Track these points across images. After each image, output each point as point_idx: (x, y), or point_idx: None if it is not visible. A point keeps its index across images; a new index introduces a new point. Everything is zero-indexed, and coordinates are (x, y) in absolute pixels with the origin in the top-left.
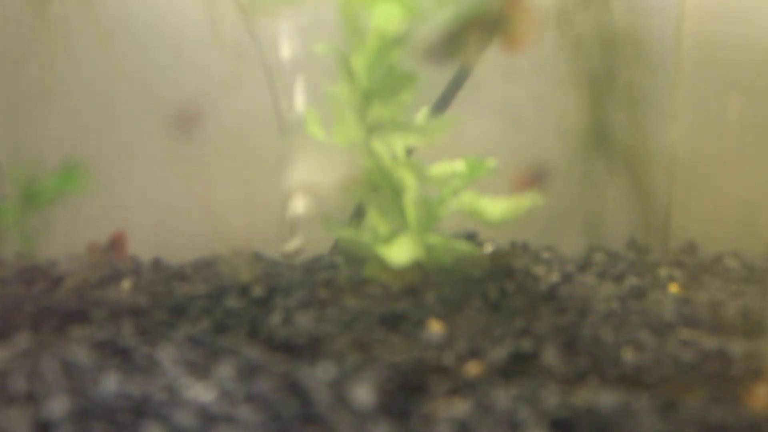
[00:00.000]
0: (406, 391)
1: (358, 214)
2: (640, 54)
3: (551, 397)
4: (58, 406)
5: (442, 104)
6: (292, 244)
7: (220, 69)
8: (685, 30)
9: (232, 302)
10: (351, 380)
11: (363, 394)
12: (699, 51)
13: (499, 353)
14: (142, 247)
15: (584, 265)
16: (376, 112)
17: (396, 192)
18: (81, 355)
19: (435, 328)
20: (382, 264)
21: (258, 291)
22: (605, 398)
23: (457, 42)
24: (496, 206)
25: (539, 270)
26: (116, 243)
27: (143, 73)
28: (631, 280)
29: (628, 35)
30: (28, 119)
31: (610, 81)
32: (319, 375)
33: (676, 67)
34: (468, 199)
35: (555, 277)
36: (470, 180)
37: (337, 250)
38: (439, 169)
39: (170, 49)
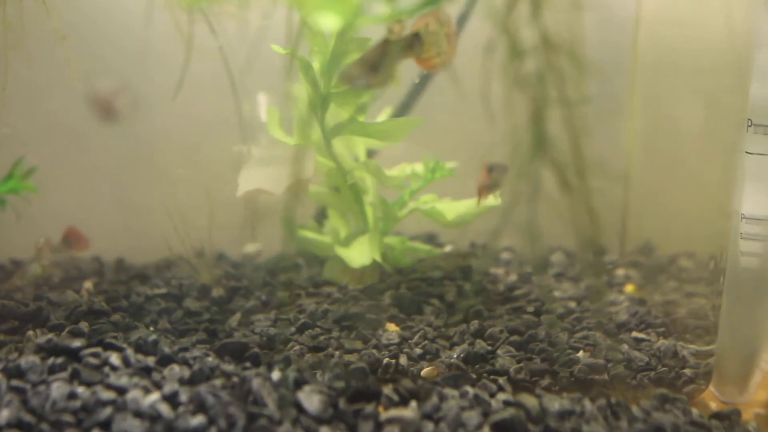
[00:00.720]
0: (357, 396)
1: (321, 216)
2: (594, 60)
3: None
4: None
5: (405, 107)
6: (252, 245)
7: (181, 71)
8: (640, 35)
9: (191, 304)
10: (303, 385)
11: (314, 402)
12: (654, 56)
13: (453, 355)
14: (106, 248)
15: (542, 266)
16: (335, 114)
17: (356, 194)
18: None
19: (391, 329)
20: (342, 265)
21: (217, 292)
22: (553, 402)
23: (375, 66)
24: (453, 208)
25: (498, 271)
26: (70, 239)
27: (101, 75)
28: (588, 281)
29: (579, 41)
30: None
31: (560, 86)
32: (273, 379)
33: (632, 72)
34: (426, 201)
35: (513, 277)
36: (429, 182)
37: (292, 250)
38: (399, 171)
39: (128, 51)
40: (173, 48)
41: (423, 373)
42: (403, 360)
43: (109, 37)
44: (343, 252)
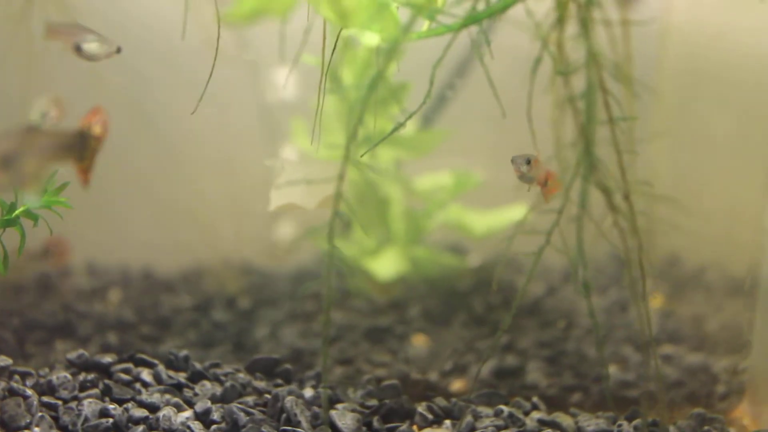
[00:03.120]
0: (391, 414)
1: (346, 227)
2: (623, 74)
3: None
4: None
5: (429, 118)
6: (278, 256)
7: (208, 79)
8: (667, 47)
9: (218, 315)
10: (336, 402)
11: (348, 420)
12: (681, 68)
13: (483, 370)
14: (133, 257)
15: (568, 277)
16: (364, 125)
17: (382, 205)
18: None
19: (419, 342)
20: (368, 277)
21: (244, 304)
22: (589, 421)
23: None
24: (481, 220)
25: (522, 283)
26: (51, 250)
27: (129, 83)
28: (614, 293)
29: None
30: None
31: (593, 101)
32: (305, 396)
33: (659, 85)
34: (454, 212)
35: (539, 289)
36: (456, 193)
37: (318, 262)
38: (426, 182)
39: (157, 58)
40: (204, 58)
41: (453, 387)
42: (432, 375)
43: (140, 46)
44: (370, 264)
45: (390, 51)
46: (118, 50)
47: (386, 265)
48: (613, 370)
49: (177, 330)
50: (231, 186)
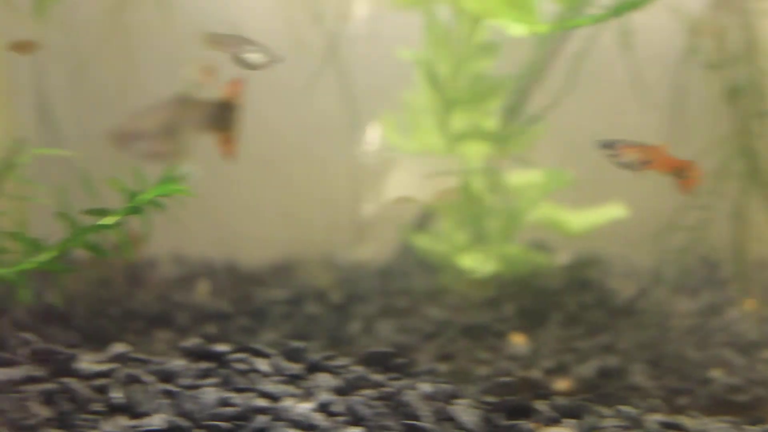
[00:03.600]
0: (512, 411)
1: (423, 222)
2: None
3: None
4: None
5: (512, 111)
6: (366, 250)
7: (298, 75)
8: None
9: (311, 308)
10: (454, 398)
11: (470, 416)
12: None
13: (586, 369)
14: (216, 249)
15: (657, 278)
16: (459, 120)
17: (474, 201)
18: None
19: (518, 341)
20: (459, 273)
21: (336, 297)
22: (712, 425)
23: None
24: (577, 218)
25: (614, 282)
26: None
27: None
28: (706, 296)
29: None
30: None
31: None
32: (425, 391)
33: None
34: (547, 210)
35: (630, 290)
36: (550, 191)
37: (405, 257)
38: (518, 179)
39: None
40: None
41: (558, 386)
42: (535, 373)
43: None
44: (463, 260)
45: (542, 40)
46: (279, 60)
47: (479, 262)
48: (717, 373)
49: (272, 322)
50: (318, 181)
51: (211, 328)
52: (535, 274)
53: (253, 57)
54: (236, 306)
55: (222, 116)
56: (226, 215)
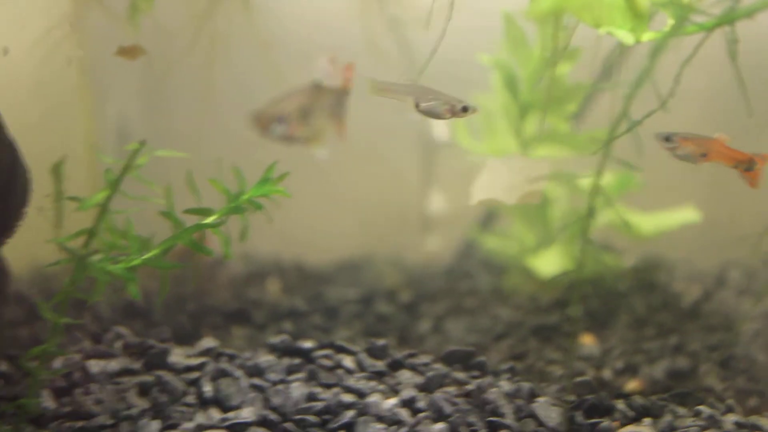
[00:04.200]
0: (592, 410)
1: (488, 222)
2: None
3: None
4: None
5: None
6: (431, 248)
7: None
8: None
9: (382, 307)
10: (536, 396)
11: (552, 414)
12: None
13: (656, 370)
14: (283, 249)
15: (721, 281)
16: (534, 123)
17: (544, 203)
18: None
19: (587, 341)
20: (526, 274)
21: (405, 296)
22: None
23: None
24: (648, 221)
25: (679, 285)
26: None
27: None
28: None
29: None
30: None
31: None
32: (507, 389)
33: None
34: (617, 212)
35: (696, 293)
36: (619, 193)
37: (468, 256)
38: (588, 181)
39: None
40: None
41: (628, 387)
42: (606, 373)
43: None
44: (533, 261)
45: (656, 48)
46: (464, 109)
47: (549, 263)
48: None
49: (345, 320)
50: (384, 183)
51: (287, 326)
52: (602, 276)
53: (431, 106)
54: (310, 304)
55: (339, 101)
56: (295, 213)
